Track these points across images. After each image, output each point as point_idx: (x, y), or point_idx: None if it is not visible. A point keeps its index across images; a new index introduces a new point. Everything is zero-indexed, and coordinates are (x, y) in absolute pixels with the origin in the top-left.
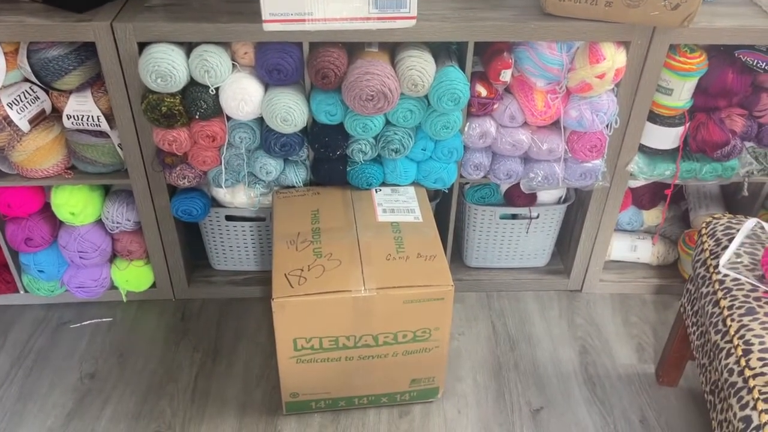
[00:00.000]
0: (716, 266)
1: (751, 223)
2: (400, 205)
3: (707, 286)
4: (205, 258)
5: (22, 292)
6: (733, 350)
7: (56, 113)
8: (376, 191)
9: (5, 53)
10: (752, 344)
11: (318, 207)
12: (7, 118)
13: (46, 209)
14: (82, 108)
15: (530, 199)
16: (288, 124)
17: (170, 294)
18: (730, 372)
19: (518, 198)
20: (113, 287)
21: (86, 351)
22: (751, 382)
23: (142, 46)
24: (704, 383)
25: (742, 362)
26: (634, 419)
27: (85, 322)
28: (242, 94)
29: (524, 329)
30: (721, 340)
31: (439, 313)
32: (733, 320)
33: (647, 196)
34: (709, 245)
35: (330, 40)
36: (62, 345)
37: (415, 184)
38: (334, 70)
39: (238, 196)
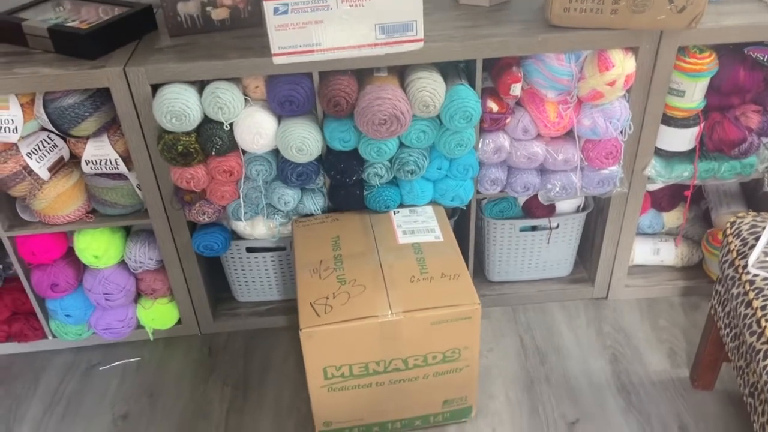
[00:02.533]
0: (745, 266)
1: None
2: (419, 226)
3: (737, 287)
4: (228, 291)
5: (50, 337)
6: None
7: (74, 159)
8: (395, 213)
9: (22, 104)
10: None
11: (338, 233)
12: (27, 167)
13: (70, 254)
14: (99, 152)
15: (549, 210)
16: (303, 154)
17: (196, 329)
18: None
19: (537, 209)
20: (139, 326)
21: (117, 393)
22: None
23: (155, 87)
24: (742, 386)
25: None
26: (673, 426)
27: (114, 364)
28: (256, 128)
29: (553, 341)
30: (757, 341)
31: (467, 332)
32: (767, 321)
33: (666, 198)
34: (735, 245)
35: (339, 69)
36: (93, 388)
37: (432, 203)
38: (345, 97)
39: (258, 228)
